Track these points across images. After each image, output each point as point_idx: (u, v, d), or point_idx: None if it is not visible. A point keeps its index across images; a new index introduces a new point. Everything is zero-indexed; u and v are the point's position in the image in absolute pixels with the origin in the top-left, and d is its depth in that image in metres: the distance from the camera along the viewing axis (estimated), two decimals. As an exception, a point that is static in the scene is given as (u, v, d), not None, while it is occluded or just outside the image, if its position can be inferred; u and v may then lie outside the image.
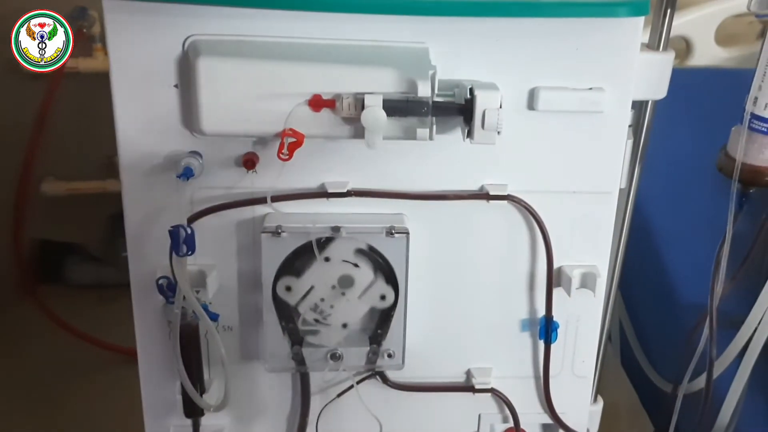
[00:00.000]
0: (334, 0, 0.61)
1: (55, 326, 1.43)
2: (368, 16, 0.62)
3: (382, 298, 0.68)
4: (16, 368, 1.35)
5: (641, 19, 0.64)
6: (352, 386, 0.73)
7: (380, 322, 0.69)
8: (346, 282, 0.67)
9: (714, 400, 0.83)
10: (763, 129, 0.70)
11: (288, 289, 0.67)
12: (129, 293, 0.70)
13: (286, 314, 0.68)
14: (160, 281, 0.65)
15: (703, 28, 1.16)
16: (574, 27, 0.64)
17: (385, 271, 0.67)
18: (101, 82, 0.65)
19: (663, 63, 0.69)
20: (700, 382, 0.85)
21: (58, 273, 1.61)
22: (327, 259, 0.66)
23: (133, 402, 0.75)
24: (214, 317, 0.67)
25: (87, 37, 1.34)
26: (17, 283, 1.55)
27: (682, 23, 1.14)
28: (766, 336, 0.80)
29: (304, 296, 0.67)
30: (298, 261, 0.66)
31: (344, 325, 0.68)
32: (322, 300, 0.67)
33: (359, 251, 0.67)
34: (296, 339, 0.69)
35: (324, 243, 0.66)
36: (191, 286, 0.66)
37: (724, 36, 1.18)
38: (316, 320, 0.68)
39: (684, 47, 1.18)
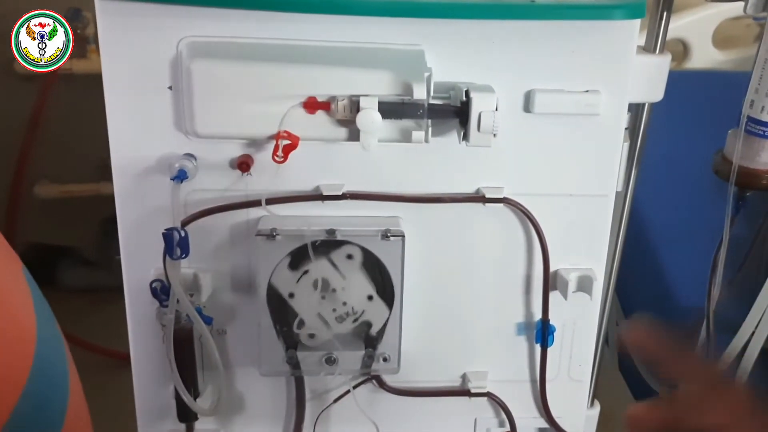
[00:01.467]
0: (329, 2, 0.60)
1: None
2: (364, 18, 0.62)
3: (378, 303, 0.67)
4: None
5: (637, 21, 0.64)
6: (348, 391, 0.73)
7: (375, 325, 0.68)
8: (341, 285, 0.66)
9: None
10: (759, 132, 0.70)
11: (283, 291, 0.66)
12: (122, 297, 0.70)
13: (281, 318, 0.67)
14: (154, 284, 0.65)
15: (701, 30, 1.16)
16: (570, 30, 0.64)
17: (381, 276, 0.67)
18: (95, 83, 0.64)
19: (659, 66, 0.69)
20: (697, 386, 0.84)
21: (50, 276, 1.60)
22: (323, 262, 0.66)
23: (126, 406, 0.74)
24: (207, 321, 0.66)
25: (81, 38, 1.33)
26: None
27: (679, 26, 1.14)
28: (764, 340, 0.80)
29: (299, 299, 0.66)
30: (293, 264, 0.66)
31: (339, 329, 0.68)
32: (317, 303, 0.67)
33: (355, 255, 0.66)
34: (291, 343, 0.68)
35: (320, 246, 0.65)
36: (185, 289, 0.65)
37: (722, 39, 1.18)
38: (311, 323, 0.67)
39: (681, 50, 1.18)
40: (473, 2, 0.61)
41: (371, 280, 0.67)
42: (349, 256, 0.66)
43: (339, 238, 0.66)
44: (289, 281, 0.66)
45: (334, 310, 0.67)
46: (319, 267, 0.66)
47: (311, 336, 0.68)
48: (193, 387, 0.68)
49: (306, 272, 0.66)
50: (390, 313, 0.68)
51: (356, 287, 0.67)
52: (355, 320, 0.68)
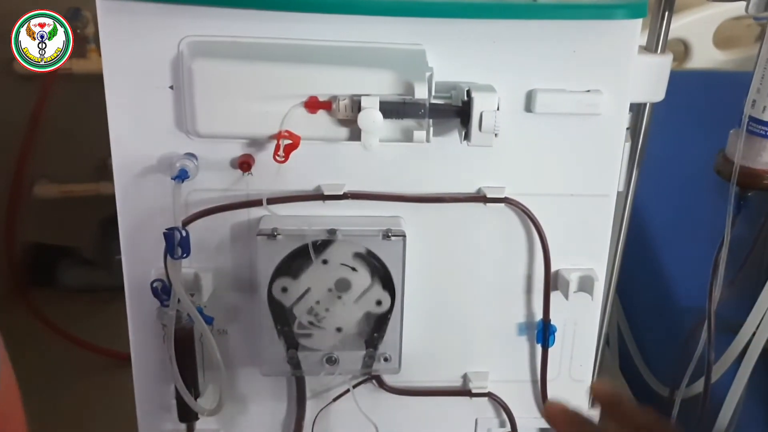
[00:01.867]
0: (330, 2, 0.60)
1: (48, 330, 1.41)
2: (365, 17, 0.62)
3: (378, 303, 0.67)
4: (8, 373, 1.33)
5: (639, 21, 0.64)
6: (348, 390, 0.73)
7: (376, 325, 0.68)
8: (342, 286, 0.66)
9: (712, 404, 0.83)
10: (761, 132, 0.70)
11: (284, 291, 0.66)
12: (122, 297, 0.69)
13: (282, 318, 0.67)
14: (155, 284, 0.65)
15: (701, 30, 1.16)
16: (572, 29, 0.63)
17: (382, 275, 0.67)
18: (95, 83, 0.64)
19: (661, 65, 0.69)
20: (698, 386, 0.84)
21: (50, 276, 1.60)
22: (324, 262, 0.66)
23: (126, 406, 0.74)
24: (208, 320, 0.66)
25: (81, 38, 1.33)
26: (9, 287, 1.54)
27: (679, 26, 1.14)
28: (765, 340, 0.80)
29: (300, 299, 0.66)
30: (294, 264, 0.66)
31: (339, 329, 0.68)
32: (318, 303, 0.67)
33: (357, 255, 0.66)
34: (292, 343, 0.68)
35: (321, 246, 0.65)
36: (186, 289, 0.65)
37: (722, 39, 1.18)
38: (311, 323, 0.67)
39: (682, 50, 1.18)
40: (474, 2, 0.60)
41: (372, 281, 0.67)
42: (350, 256, 0.66)
43: (340, 238, 0.65)
44: (290, 281, 0.66)
45: (335, 310, 0.67)
46: (319, 267, 0.66)
47: (311, 336, 0.68)
48: (194, 387, 0.68)
49: (307, 272, 0.66)
50: (391, 313, 0.68)
51: (357, 287, 0.66)
52: (356, 320, 0.68)
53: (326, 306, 0.67)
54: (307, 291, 0.66)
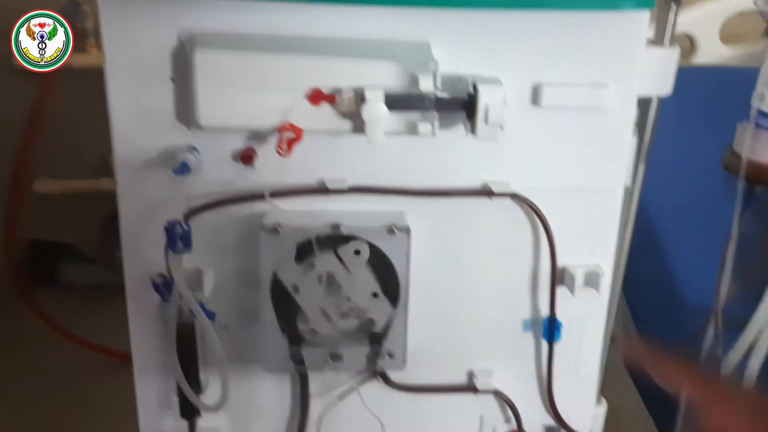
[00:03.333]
0: (334, -8, 0.59)
1: (49, 329, 1.41)
2: (370, 9, 0.61)
3: (382, 297, 0.66)
4: (8, 371, 1.33)
5: (647, 13, 0.63)
6: (353, 388, 0.72)
7: (381, 321, 0.67)
8: (346, 280, 0.65)
9: (720, 402, 0.82)
10: (769, 126, 0.69)
11: (287, 286, 0.65)
12: (123, 295, 0.69)
13: (285, 313, 0.66)
14: (156, 279, 0.64)
15: (708, 25, 1.15)
16: (579, 21, 0.63)
17: (386, 270, 0.66)
18: (95, 78, 0.64)
19: (668, 58, 0.68)
20: (705, 384, 0.83)
21: (51, 274, 1.59)
22: (327, 257, 0.65)
23: (128, 405, 0.73)
24: (210, 316, 0.65)
25: (80, 32, 1.33)
26: (10, 285, 1.53)
27: (686, 21, 1.14)
28: (772, 337, 0.79)
29: (303, 294, 0.66)
30: (297, 258, 0.65)
31: (343, 325, 0.67)
32: (322, 298, 0.66)
33: (360, 249, 0.65)
34: (295, 339, 0.67)
35: (324, 240, 0.64)
36: (187, 284, 0.64)
37: (729, 34, 1.17)
38: (315, 319, 0.66)
39: (688, 45, 1.17)
40: (480, -9, 0.60)
41: (376, 276, 0.66)
42: (355, 251, 0.65)
43: (344, 232, 0.65)
44: (293, 276, 0.65)
45: (339, 305, 0.66)
46: (323, 262, 0.65)
47: (315, 332, 0.67)
48: (196, 383, 0.67)
49: (310, 267, 0.65)
50: (395, 308, 0.67)
51: (361, 282, 0.66)
52: (360, 316, 0.67)
53: (330, 302, 0.66)
54: (311, 286, 0.65)
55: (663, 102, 0.70)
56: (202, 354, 0.68)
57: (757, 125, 0.69)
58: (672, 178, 0.98)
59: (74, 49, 1.37)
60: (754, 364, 0.79)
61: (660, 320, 1.01)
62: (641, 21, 0.63)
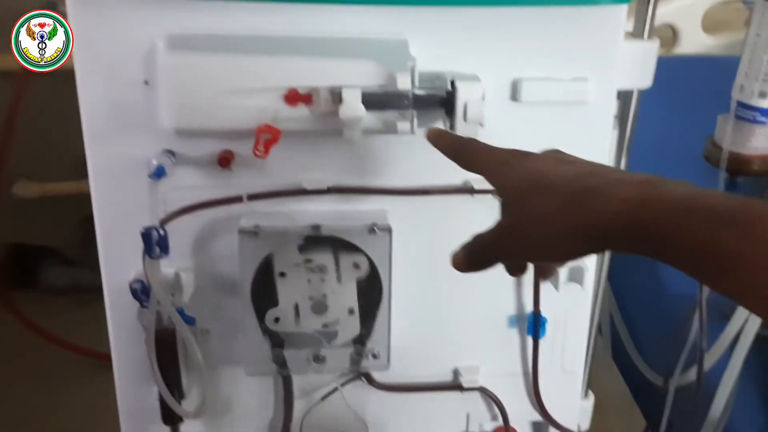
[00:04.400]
0: (308, -10, 0.58)
1: (31, 332, 1.39)
2: (345, 7, 0.60)
3: (365, 297, 0.66)
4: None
5: (624, 7, 0.62)
6: (336, 389, 0.72)
7: (364, 321, 0.67)
8: (326, 281, 0.65)
9: (706, 392, 0.82)
10: (749, 117, 0.69)
11: (267, 288, 0.65)
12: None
13: (265, 315, 0.66)
14: (134, 285, 0.63)
15: (690, 15, 1.15)
16: (556, 16, 0.62)
17: (368, 270, 0.65)
18: (72, 79, 0.62)
19: (647, 52, 0.68)
20: (692, 374, 0.84)
21: (32, 277, 1.57)
22: (307, 258, 0.64)
23: (110, 408, 0.73)
24: (190, 321, 0.65)
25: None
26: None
27: (668, 11, 1.13)
28: (757, 327, 0.79)
29: (284, 296, 0.65)
30: (277, 260, 0.64)
31: (325, 325, 0.66)
32: (303, 299, 0.65)
33: (341, 249, 0.65)
34: (277, 341, 0.67)
35: (305, 242, 0.64)
36: (166, 289, 0.63)
37: (711, 23, 1.17)
38: (296, 321, 0.66)
39: (670, 35, 1.17)
40: (456, -12, 0.59)
41: (358, 276, 0.65)
42: (335, 251, 0.65)
43: (324, 233, 0.64)
44: (273, 278, 0.64)
45: (320, 305, 0.66)
46: (303, 263, 0.64)
47: (297, 334, 0.66)
48: (177, 389, 0.67)
49: (291, 269, 0.64)
50: (378, 308, 0.66)
51: (343, 283, 0.65)
52: (342, 316, 0.66)
53: (311, 303, 0.65)
54: (292, 287, 0.65)
55: (645, 93, 0.70)
56: (183, 359, 0.67)
57: (737, 116, 0.69)
58: (656, 168, 0.97)
59: (50, 50, 1.34)
60: (739, 354, 0.80)
61: (646, 312, 1.01)
62: (619, 15, 0.63)
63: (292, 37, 0.61)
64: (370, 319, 0.67)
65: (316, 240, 0.64)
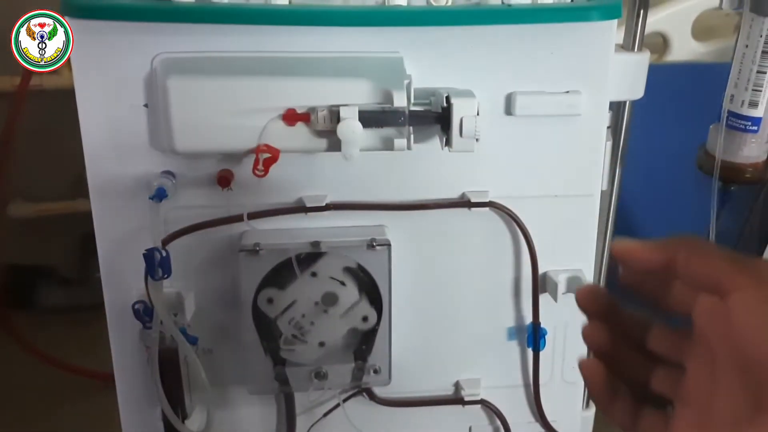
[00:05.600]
0: (304, 15, 0.59)
1: (29, 354, 1.38)
2: (340, 27, 0.61)
3: (365, 319, 0.66)
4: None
5: (614, 21, 0.63)
6: (338, 405, 0.72)
7: (365, 337, 0.67)
8: (329, 299, 0.65)
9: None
10: (741, 126, 0.70)
11: (269, 306, 0.65)
12: (103, 315, 0.68)
13: (268, 334, 0.66)
14: (137, 306, 0.63)
15: (680, 23, 1.16)
16: (548, 31, 0.63)
17: (369, 289, 0.66)
18: (67, 99, 0.63)
19: (638, 64, 0.69)
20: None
21: (29, 298, 1.56)
22: (313, 275, 0.65)
23: (110, 429, 0.73)
24: (192, 340, 0.65)
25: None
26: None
27: (658, 19, 1.14)
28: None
29: (285, 313, 0.65)
30: (278, 278, 0.65)
31: (326, 343, 0.67)
32: (304, 317, 0.66)
33: (341, 265, 0.65)
34: (278, 359, 0.67)
35: (306, 259, 0.64)
36: (168, 309, 0.64)
37: (702, 29, 1.18)
38: (297, 338, 0.66)
39: (661, 43, 1.18)
40: (449, 8, 0.60)
41: (358, 291, 0.66)
42: (335, 268, 0.65)
43: (324, 250, 0.65)
44: (274, 296, 0.65)
45: (321, 324, 0.66)
46: (304, 280, 0.65)
47: (298, 351, 0.67)
48: (181, 408, 0.67)
49: (292, 286, 0.65)
50: (379, 323, 0.67)
51: (343, 299, 0.66)
52: (342, 335, 0.67)
53: (312, 320, 0.66)
54: (293, 305, 0.65)
55: (638, 102, 0.71)
56: (187, 379, 0.67)
57: (729, 126, 0.70)
58: (650, 177, 0.98)
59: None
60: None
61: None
62: (609, 29, 0.64)
63: (289, 57, 0.61)
64: (371, 334, 0.67)
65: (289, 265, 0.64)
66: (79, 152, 0.63)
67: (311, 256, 0.65)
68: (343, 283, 0.65)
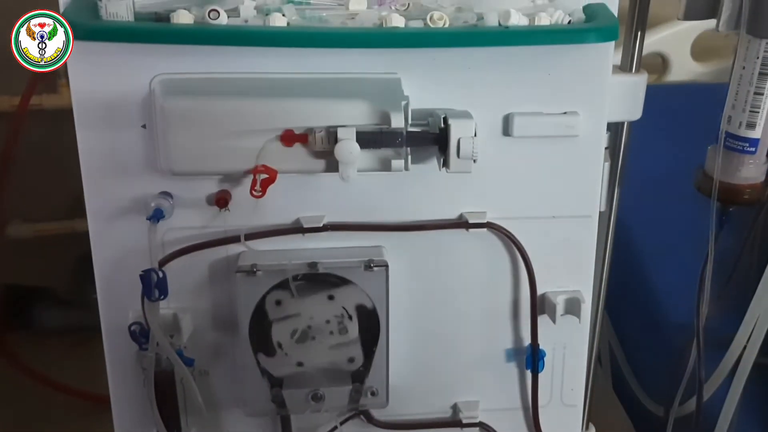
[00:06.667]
0: (302, 37, 0.59)
1: (26, 376, 1.37)
2: (339, 49, 0.61)
3: (351, 360, 0.67)
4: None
5: (611, 43, 0.64)
6: (335, 427, 0.71)
7: (362, 359, 0.67)
8: (324, 318, 0.65)
9: (706, 422, 0.82)
10: (738, 147, 0.70)
11: (265, 327, 0.65)
12: (100, 336, 0.68)
13: (264, 355, 0.66)
14: (133, 327, 0.63)
15: (679, 43, 1.16)
16: (545, 53, 0.63)
17: (366, 306, 0.65)
18: (67, 118, 0.63)
19: (636, 85, 0.69)
20: (693, 404, 0.83)
21: (26, 319, 1.55)
22: (304, 296, 0.64)
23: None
24: (189, 362, 0.65)
25: (51, 73, 1.31)
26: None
27: (656, 39, 1.15)
28: (755, 354, 0.79)
29: (282, 336, 0.65)
30: (275, 299, 0.64)
31: (322, 365, 0.66)
32: (301, 338, 0.65)
33: (338, 286, 0.65)
34: (275, 381, 0.66)
35: (301, 279, 0.64)
36: (165, 330, 0.63)
37: (701, 50, 1.18)
38: (294, 360, 0.66)
39: (660, 63, 1.18)
40: (446, 30, 0.60)
41: (356, 312, 0.66)
42: (332, 289, 0.65)
43: (321, 271, 0.64)
44: (271, 317, 0.65)
45: (317, 345, 0.66)
46: (301, 301, 0.64)
47: (295, 373, 0.66)
48: (177, 430, 0.66)
49: (289, 307, 0.64)
50: (376, 345, 0.66)
51: (341, 319, 0.65)
52: (340, 354, 0.66)
53: (309, 341, 0.65)
54: (289, 327, 0.65)
55: (636, 122, 0.71)
56: (183, 401, 0.67)
57: (726, 147, 0.70)
58: (649, 198, 0.98)
59: (46, 90, 1.34)
60: (738, 384, 0.80)
61: (644, 342, 1.01)
62: (606, 51, 0.64)
63: (286, 78, 0.62)
64: (369, 356, 0.67)
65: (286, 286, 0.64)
66: (77, 172, 0.63)
67: (308, 276, 0.64)
68: (350, 317, 0.65)
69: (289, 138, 0.60)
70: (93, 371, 0.77)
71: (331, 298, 0.65)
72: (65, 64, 0.59)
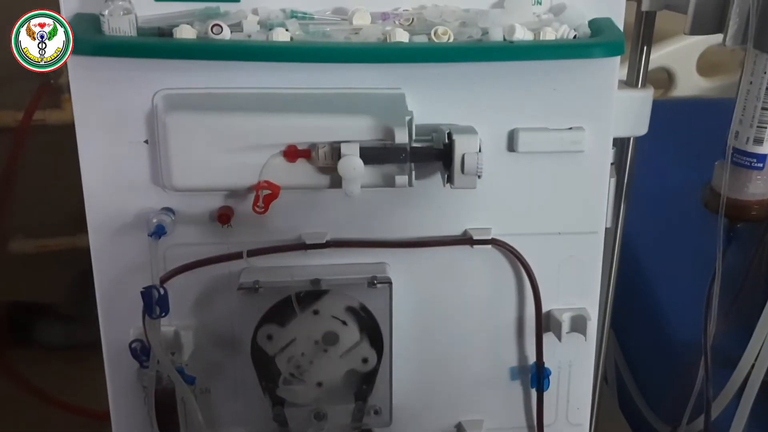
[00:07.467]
0: (306, 51, 0.59)
1: (26, 392, 1.36)
2: (342, 64, 0.61)
3: (365, 360, 0.65)
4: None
5: (617, 58, 0.63)
6: (338, 446, 0.70)
7: (365, 377, 0.66)
8: (329, 339, 0.64)
9: (715, 441, 0.81)
10: (746, 163, 0.69)
11: (268, 345, 0.64)
12: (101, 352, 0.67)
13: (266, 374, 0.65)
14: (134, 345, 0.62)
15: (685, 58, 1.16)
16: (551, 68, 0.63)
17: (370, 330, 0.65)
18: (70, 134, 0.63)
19: (642, 100, 0.69)
20: (701, 423, 0.82)
21: (28, 335, 1.55)
22: (315, 312, 0.64)
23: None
24: (190, 380, 0.64)
25: (54, 88, 1.31)
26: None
27: (662, 54, 1.15)
28: (764, 373, 0.78)
29: (284, 353, 0.64)
30: (277, 317, 0.64)
31: (325, 383, 0.66)
32: (303, 356, 0.65)
33: (341, 304, 0.64)
34: (277, 399, 0.65)
35: (304, 297, 0.63)
36: (166, 348, 0.63)
37: (707, 65, 1.18)
38: (296, 378, 0.65)
39: (666, 78, 1.18)
40: (451, 45, 0.60)
41: (359, 330, 0.65)
42: (338, 307, 0.64)
43: (324, 287, 0.64)
44: (273, 335, 0.64)
45: (321, 363, 0.65)
46: (304, 319, 0.64)
47: (297, 391, 0.65)
48: (178, 449, 0.65)
49: (291, 325, 0.64)
50: (379, 363, 0.66)
51: (344, 339, 0.64)
52: (344, 372, 0.65)
53: (312, 359, 0.65)
54: (292, 344, 0.64)
55: (642, 138, 0.71)
56: (183, 420, 0.66)
57: (734, 163, 0.69)
58: (655, 214, 0.98)
59: (49, 105, 1.34)
60: (746, 402, 0.78)
61: (651, 360, 1.00)
62: (612, 66, 0.64)
63: (290, 93, 0.61)
64: (372, 374, 0.66)
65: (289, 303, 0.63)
66: (79, 187, 0.63)
67: (313, 293, 0.64)
68: (344, 323, 0.64)
69: (292, 153, 0.60)
70: (94, 388, 0.76)
71: (316, 312, 0.64)
72: (68, 73, 0.59)
